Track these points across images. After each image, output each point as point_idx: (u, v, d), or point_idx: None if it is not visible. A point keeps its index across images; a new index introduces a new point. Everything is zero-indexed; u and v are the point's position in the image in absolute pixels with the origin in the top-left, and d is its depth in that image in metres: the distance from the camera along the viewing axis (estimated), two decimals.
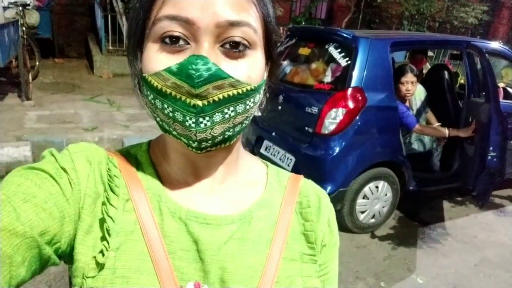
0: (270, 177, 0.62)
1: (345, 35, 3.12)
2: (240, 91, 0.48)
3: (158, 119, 0.50)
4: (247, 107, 0.50)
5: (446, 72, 3.80)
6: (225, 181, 0.58)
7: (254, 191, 0.60)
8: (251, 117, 0.53)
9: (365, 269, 2.86)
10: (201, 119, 0.47)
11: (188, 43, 0.47)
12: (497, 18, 11.61)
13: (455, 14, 10.34)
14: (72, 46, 7.53)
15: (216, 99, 0.46)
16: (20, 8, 4.80)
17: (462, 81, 4.29)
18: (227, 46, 0.47)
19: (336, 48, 3.15)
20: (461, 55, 3.60)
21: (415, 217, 3.70)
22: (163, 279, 0.49)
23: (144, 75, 0.48)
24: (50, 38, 6.95)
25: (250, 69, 0.49)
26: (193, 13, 0.45)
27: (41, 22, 5.76)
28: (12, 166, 3.55)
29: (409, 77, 3.35)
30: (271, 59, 0.55)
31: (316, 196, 0.62)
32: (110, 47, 6.89)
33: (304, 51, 3.50)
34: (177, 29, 0.46)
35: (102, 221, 0.50)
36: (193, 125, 0.47)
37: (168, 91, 0.46)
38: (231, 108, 0.48)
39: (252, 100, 0.50)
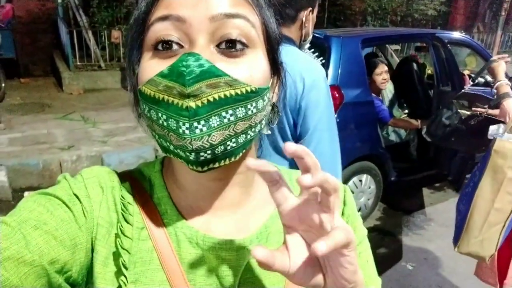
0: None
1: (317, 35, 3.19)
2: (238, 91, 0.43)
3: (156, 137, 0.47)
4: (249, 112, 0.45)
5: (415, 64, 3.94)
6: (241, 202, 0.54)
7: (269, 204, 0.55)
8: (257, 130, 0.48)
9: None
10: (195, 124, 0.42)
11: (182, 46, 0.44)
12: (455, 8, 12.12)
13: (415, 7, 10.71)
14: (37, 64, 7.31)
15: (211, 99, 0.42)
16: None
17: (429, 72, 4.45)
18: (223, 45, 0.44)
19: (308, 48, 3.21)
20: (427, 47, 3.75)
21: (399, 206, 3.81)
22: None
23: (139, 87, 0.46)
24: (14, 58, 6.73)
25: (251, 69, 0.45)
26: (185, 10, 0.43)
27: (3, 43, 5.58)
28: None
29: (382, 67, 3.49)
30: (277, 71, 0.51)
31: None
32: (78, 63, 6.74)
33: None
34: (169, 32, 0.44)
35: (117, 255, 0.48)
36: (187, 131, 0.42)
37: (161, 96, 0.43)
38: (230, 112, 0.43)
39: (254, 104, 0.45)
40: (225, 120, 0.43)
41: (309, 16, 1.49)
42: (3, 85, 5.54)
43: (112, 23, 6.73)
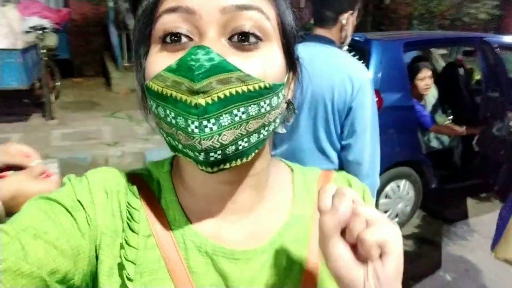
0: (297, 186, 0.55)
1: (357, 38, 3.17)
2: (251, 87, 0.40)
3: (164, 135, 0.45)
4: (262, 110, 0.42)
5: (461, 69, 3.80)
6: (253, 206, 0.51)
7: (282, 210, 0.53)
8: (270, 129, 0.45)
9: None
10: (205, 122, 0.39)
11: (192, 39, 0.42)
12: (508, 12, 11.48)
13: (465, 11, 10.26)
14: (89, 65, 7.74)
15: (222, 95, 0.39)
16: (40, 32, 4.99)
17: (478, 77, 4.27)
18: (235, 38, 0.41)
19: (349, 52, 3.20)
20: (475, 51, 3.61)
21: (439, 215, 3.68)
22: None
23: (146, 82, 0.44)
24: (69, 59, 7.17)
25: (265, 64, 0.42)
26: (195, 1, 0.40)
27: (60, 44, 5.95)
28: None
29: (425, 72, 3.38)
30: (293, 66, 0.48)
31: (347, 185, 0.56)
32: (126, 64, 7.07)
33: None
34: (178, 24, 0.41)
35: (121, 266, 0.46)
36: (196, 130, 0.39)
37: (169, 92, 0.40)
38: (242, 109, 0.40)
39: (267, 102, 0.42)
40: (237, 119, 0.40)
41: (349, 19, 1.50)
42: (58, 83, 5.93)
43: None
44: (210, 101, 0.38)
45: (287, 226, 0.51)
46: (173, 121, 0.40)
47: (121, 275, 0.46)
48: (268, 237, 0.50)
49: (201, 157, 0.41)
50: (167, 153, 0.51)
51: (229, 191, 0.49)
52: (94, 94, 6.52)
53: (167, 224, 0.49)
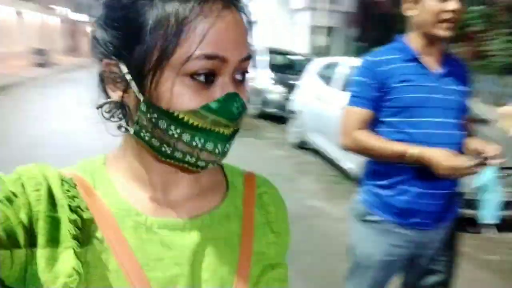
0: (228, 175, 0.64)
1: None
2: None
3: (166, 148, 0.50)
4: None
5: None
6: (190, 188, 0.58)
7: (218, 190, 0.62)
8: None
9: None
10: (227, 145, 0.51)
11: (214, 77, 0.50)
12: None
13: None
14: None
15: (239, 126, 0.53)
16: None
17: None
18: (239, 76, 0.52)
19: None
20: None
21: None
22: None
23: (171, 111, 0.48)
24: None
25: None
26: (228, 52, 0.48)
27: None
28: None
29: None
30: None
31: (269, 188, 0.67)
32: None
33: None
34: (209, 67, 0.48)
35: (66, 247, 0.47)
36: (221, 152, 0.51)
37: (205, 126, 0.49)
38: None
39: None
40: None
41: None
42: None
43: None
44: (233, 131, 0.52)
45: (224, 204, 0.60)
46: (200, 145, 0.50)
47: (68, 258, 0.46)
48: (207, 211, 0.58)
49: (202, 164, 0.51)
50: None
51: (177, 177, 0.57)
52: None
53: (106, 208, 0.53)
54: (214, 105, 0.49)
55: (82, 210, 0.50)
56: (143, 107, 0.49)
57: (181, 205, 0.57)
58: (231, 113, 0.49)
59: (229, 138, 0.51)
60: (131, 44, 0.49)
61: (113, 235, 0.51)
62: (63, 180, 0.51)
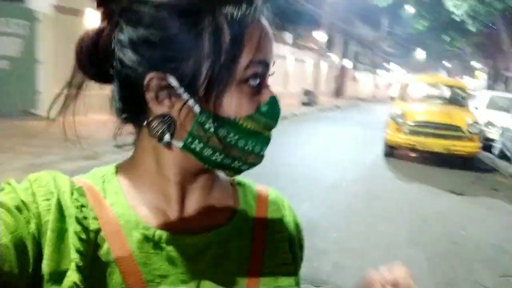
0: (240, 191, 0.63)
1: None
2: None
3: (218, 156, 0.50)
4: None
5: None
6: (200, 202, 0.56)
7: (229, 204, 0.60)
8: None
9: None
10: (266, 147, 0.54)
11: None
12: None
13: None
14: None
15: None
16: None
17: None
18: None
19: None
20: None
21: None
22: None
23: (233, 118, 0.49)
24: None
25: None
26: (269, 57, 0.52)
27: None
28: None
29: None
30: None
31: (283, 205, 0.64)
32: None
33: None
34: (261, 72, 0.50)
35: (71, 260, 0.46)
36: (263, 154, 0.53)
37: (259, 130, 0.51)
38: None
39: None
40: None
41: None
42: None
43: None
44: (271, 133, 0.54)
45: (234, 222, 0.58)
46: (250, 149, 0.51)
47: (72, 270, 0.46)
48: (215, 230, 0.56)
49: (245, 169, 0.53)
50: None
51: (190, 188, 0.56)
52: None
53: (115, 219, 0.51)
54: (265, 109, 0.51)
55: (90, 221, 0.50)
56: (201, 118, 0.48)
57: (191, 219, 0.55)
58: (277, 115, 0.53)
59: (270, 140, 0.53)
60: (183, 55, 0.48)
61: (119, 249, 0.50)
62: (73, 189, 0.51)
